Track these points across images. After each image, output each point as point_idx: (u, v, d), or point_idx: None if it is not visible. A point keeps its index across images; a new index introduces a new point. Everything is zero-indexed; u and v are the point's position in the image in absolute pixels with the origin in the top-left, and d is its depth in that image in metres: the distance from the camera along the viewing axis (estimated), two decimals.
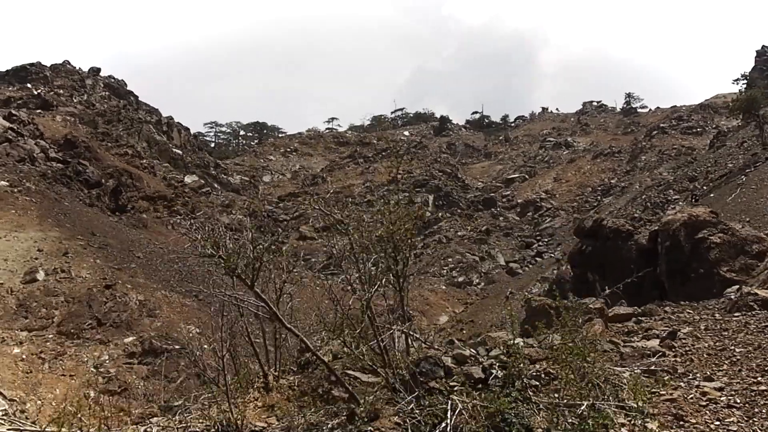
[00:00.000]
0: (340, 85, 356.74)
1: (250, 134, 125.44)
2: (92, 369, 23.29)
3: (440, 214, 73.68)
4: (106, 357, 23.89)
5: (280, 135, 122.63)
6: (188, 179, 62.18)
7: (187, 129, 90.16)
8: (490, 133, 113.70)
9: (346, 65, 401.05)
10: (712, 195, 37.50)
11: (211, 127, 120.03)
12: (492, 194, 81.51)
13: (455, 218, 73.04)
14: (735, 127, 61.19)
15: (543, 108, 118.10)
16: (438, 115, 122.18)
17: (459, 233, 69.71)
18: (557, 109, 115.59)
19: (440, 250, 66.81)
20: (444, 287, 60.79)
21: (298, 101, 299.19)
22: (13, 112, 41.85)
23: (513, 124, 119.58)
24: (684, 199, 44.69)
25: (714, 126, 75.79)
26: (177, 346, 24.55)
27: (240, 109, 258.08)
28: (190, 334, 26.00)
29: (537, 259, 63.25)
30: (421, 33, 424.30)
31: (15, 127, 39.86)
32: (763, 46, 67.36)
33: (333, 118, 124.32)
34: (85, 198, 38.68)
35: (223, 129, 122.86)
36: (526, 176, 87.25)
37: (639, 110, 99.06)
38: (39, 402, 21.04)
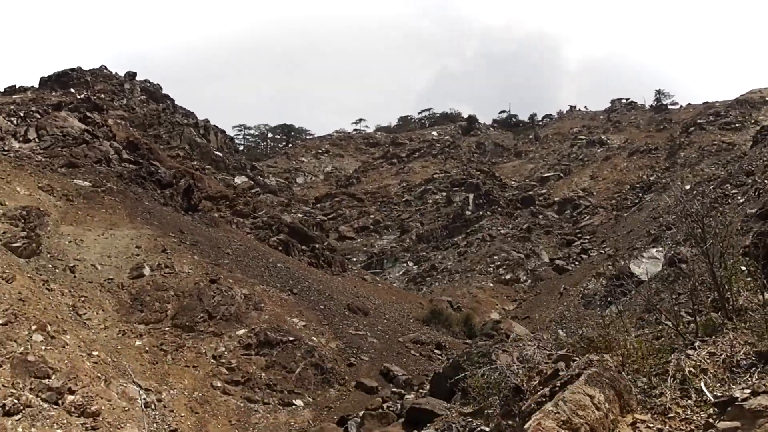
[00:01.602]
0: (362, 86, 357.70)
1: (278, 136, 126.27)
2: (212, 360, 23.87)
3: (480, 212, 74.25)
4: (223, 348, 24.47)
5: (308, 137, 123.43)
6: (238, 180, 62.86)
7: (223, 132, 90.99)
8: (518, 132, 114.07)
9: (367, 67, 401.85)
10: None
11: (240, 130, 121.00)
12: (529, 193, 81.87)
13: (496, 216, 73.45)
14: None
15: (571, 106, 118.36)
16: (464, 115, 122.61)
17: (502, 231, 70.14)
18: (585, 107, 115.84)
19: (484, 248, 67.30)
20: (491, 284, 61.21)
21: (319, 103, 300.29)
22: (88, 114, 42.55)
23: (541, 123, 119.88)
24: (743, 193, 44.92)
25: (753, 121, 75.94)
26: (291, 338, 25.12)
27: (261, 111, 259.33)
28: (297, 327, 26.68)
29: (582, 256, 63.48)
30: (442, 34, 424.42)
31: (90, 129, 40.56)
32: None
33: (360, 119, 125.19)
34: (159, 198, 39.30)
35: (252, 132, 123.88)
36: (561, 174, 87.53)
37: (670, 107, 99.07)
38: (172, 391, 21.64)
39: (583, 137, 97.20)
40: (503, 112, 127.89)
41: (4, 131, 38.30)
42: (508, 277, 62.31)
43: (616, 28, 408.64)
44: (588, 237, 68.52)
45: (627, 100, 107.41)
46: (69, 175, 36.37)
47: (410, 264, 71.79)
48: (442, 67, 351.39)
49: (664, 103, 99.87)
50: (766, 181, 43.10)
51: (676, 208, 54.52)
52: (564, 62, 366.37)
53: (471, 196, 77.11)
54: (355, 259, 68.94)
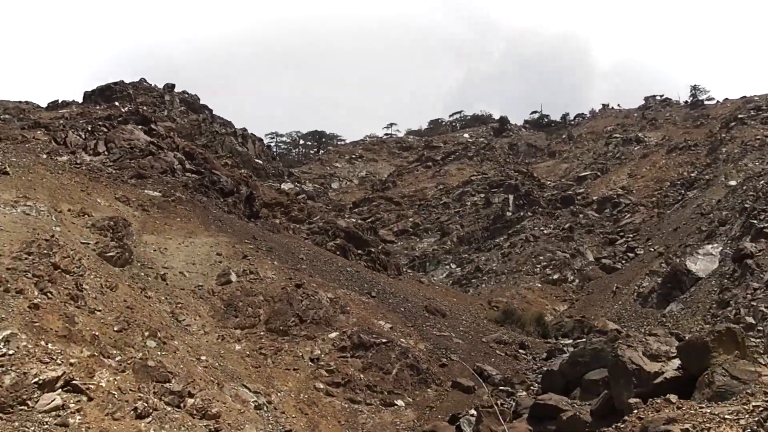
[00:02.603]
0: (391, 91, 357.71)
1: (309, 142, 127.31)
2: (310, 363, 24.45)
3: (521, 213, 74.53)
4: (319, 351, 25.05)
5: (339, 142, 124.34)
6: (285, 186, 63.63)
7: (260, 140, 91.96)
8: (551, 132, 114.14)
9: (395, 71, 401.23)
10: None
11: (272, 137, 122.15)
12: (568, 192, 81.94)
13: (537, 217, 73.64)
14: None
15: (603, 105, 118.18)
16: (495, 117, 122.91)
17: (545, 231, 70.36)
18: (618, 105, 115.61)
19: (529, 248, 67.60)
20: (539, 285, 61.52)
21: (346, 109, 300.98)
22: (153, 126, 43.42)
23: (574, 122, 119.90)
24: None
25: None
26: (383, 340, 25.66)
27: (286, 117, 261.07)
28: (385, 329, 27.22)
29: (629, 254, 63.48)
30: (469, 37, 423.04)
31: (155, 141, 41.40)
32: None
33: (392, 124, 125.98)
34: (223, 206, 40.02)
35: (283, 139, 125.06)
36: (598, 173, 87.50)
37: (706, 102, 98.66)
38: (279, 393, 22.24)
39: (618, 135, 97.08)
40: (535, 112, 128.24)
41: (74, 145, 39.21)
42: (555, 277, 62.58)
43: (646, 27, 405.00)
44: (631, 235, 68.45)
45: (661, 96, 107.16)
46: (139, 185, 37.18)
47: (453, 266, 72.18)
48: (470, 69, 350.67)
49: (700, 98, 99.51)
50: None
51: (726, 204, 54.68)
52: (594, 62, 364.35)
53: (511, 197, 77.37)
54: (395, 262, 69.47)
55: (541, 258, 65.65)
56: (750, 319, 27.66)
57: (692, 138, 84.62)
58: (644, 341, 16.39)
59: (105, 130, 41.56)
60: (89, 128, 41.53)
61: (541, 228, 71.31)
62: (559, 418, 16.50)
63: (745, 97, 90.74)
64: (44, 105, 64.87)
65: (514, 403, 18.96)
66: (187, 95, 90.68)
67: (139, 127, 42.84)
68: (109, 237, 28.21)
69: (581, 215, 75.73)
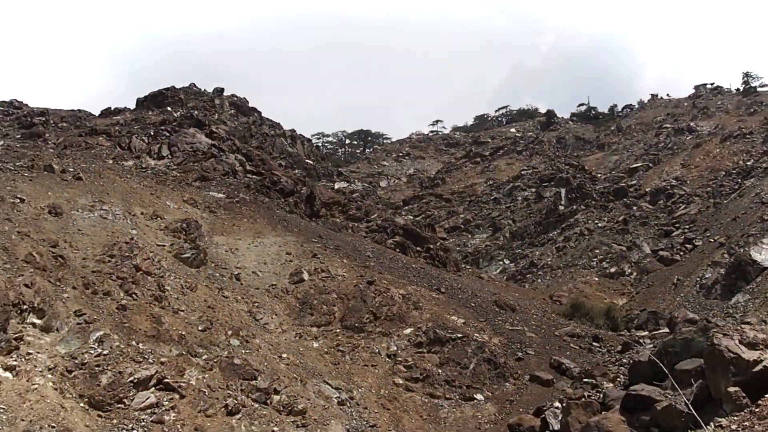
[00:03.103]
0: (435, 88, 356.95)
1: (355, 142, 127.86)
2: (387, 359, 24.63)
3: (574, 207, 73.78)
4: (395, 347, 25.22)
5: (385, 141, 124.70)
6: (338, 186, 64.09)
7: (309, 140, 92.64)
8: (599, 124, 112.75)
9: (438, 68, 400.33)
10: None
11: (319, 138, 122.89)
12: (621, 184, 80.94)
13: (590, 210, 72.79)
14: None
15: (652, 95, 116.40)
16: (542, 111, 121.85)
17: (599, 224, 69.61)
18: (668, 95, 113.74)
19: (584, 242, 66.96)
20: (596, 279, 60.86)
21: (387, 107, 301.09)
22: (214, 130, 44.10)
23: (622, 114, 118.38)
24: None
25: None
26: (459, 335, 25.73)
27: (328, 117, 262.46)
28: (459, 324, 27.27)
29: (687, 245, 62.35)
30: (514, 32, 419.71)
31: (217, 144, 42.04)
32: None
33: (437, 121, 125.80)
34: (284, 206, 40.41)
35: (330, 139, 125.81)
36: (650, 164, 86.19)
37: (759, 89, 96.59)
38: (360, 389, 22.44)
39: (668, 125, 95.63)
40: (582, 104, 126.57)
41: (138, 150, 40.00)
42: (612, 270, 61.84)
43: (692, 15, 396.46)
44: (688, 226, 67.22)
45: (712, 84, 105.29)
46: (203, 188, 37.82)
47: (506, 262, 71.80)
48: (515, 64, 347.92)
49: (753, 85, 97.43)
50: None
51: None
52: (639, 53, 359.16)
53: (563, 190, 76.74)
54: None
55: (597, 251, 64.93)
56: None
57: (746, 126, 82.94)
58: (740, 329, 16.16)
59: (167, 134, 42.30)
60: (151, 133, 42.32)
61: (595, 221, 70.51)
62: (653, 408, 16.31)
63: None
64: (96, 112, 66.33)
65: (601, 395, 18.77)
66: (236, 98, 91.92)
67: (200, 130, 43.49)
68: (182, 239, 28.78)
69: (635, 207, 74.64)
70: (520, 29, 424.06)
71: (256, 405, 19.78)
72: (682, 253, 61.82)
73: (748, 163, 73.74)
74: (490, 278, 48.57)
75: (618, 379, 20.41)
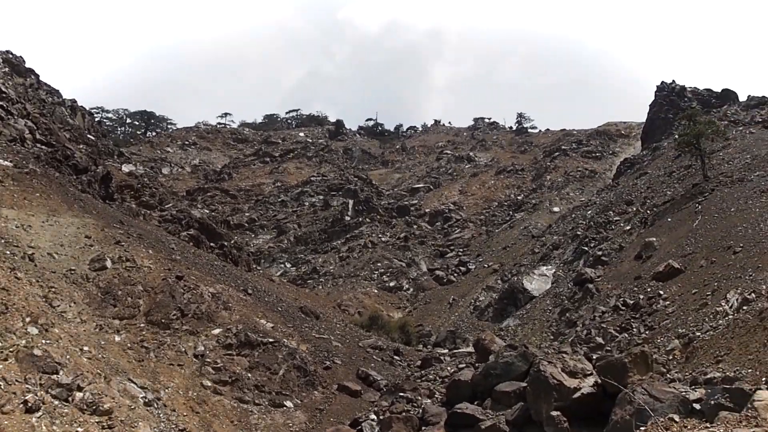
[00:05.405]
0: (227, 78, 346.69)
1: (137, 122, 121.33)
2: (194, 359, 23.53)
3: (360, 219, 75.54)
4: (203, 348, 24.12)
5: (169, 126, 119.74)
6: (125, 168, 60.25)
7: (90, 114, 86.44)
8: (384, 140, 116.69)
9: (232, 58, 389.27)
10: (669, 220, 41.48)
11: (98, 113, 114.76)
12: (404, 202, 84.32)
13: (375, 224, 74.95)
14: (639, 156, 67.80)
15: (435, 120, 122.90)
16: (331, 119, 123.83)
17: (382, 239, 71.87)
18: (450, 122, 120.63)
19: (367, 254, 68.72)
20: (376, 291, 62.76)
21: (174, 91, 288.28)
22: (2, 88, 39.64)
23: (406, 134, 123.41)
24: (626, 221, 48.74)
25: (611, 152, 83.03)
26: (270, 339, 25.16)
27: (124, 92, 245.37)
28: (267, 328, 26.77)
29: (461, 267, 66.18)
30: (314, 36, 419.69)
31: (4, 105, 37.93)
32: (663, 82, 74.69)
33: (226, 113, 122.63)
34: (77, 184, 37.48)
35: (109, 115, 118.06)
36: (431, 187, 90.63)
37: (530, 130, 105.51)
38: (167, 390, 21.25)
39: (449, 152, 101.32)
40: (370, 119, 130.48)
41: None
42: (392, 284, 64.18)
43: (486, 49, 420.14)
44: (462, 249, 71.56)
45: (489, 119, 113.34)
46: None
47: (288, 265, 71.79)
48: (312, 69, 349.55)
49: (525, 126, 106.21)
50: (647, 212, 47.12)
51: (558, 229, 58.84)
52: (432, 78, 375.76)
53: (351, 201, 78.38)
54: None
55: (378, 264, 67.02)
56: (600, 340, 30.03)
57: (519, 162, 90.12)
58: (561, 358, 17.47)
59: None
60: None
61: (379, 235, 72.75)
62: (477, 426, 17.13)
63: (564, 129, 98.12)
64: None
65: (420, 410, 19.32)
66: (11, 56, 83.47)
67: None
68: None
69: (415, 226, 78.13)
70: (321, 34, 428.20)
71: (57, 402, 17.93)
72: (456, 275, 65.65)
73: (519, 198, 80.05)
74: (281, 281, 48.25)
75: (435, 395, 21.11)
